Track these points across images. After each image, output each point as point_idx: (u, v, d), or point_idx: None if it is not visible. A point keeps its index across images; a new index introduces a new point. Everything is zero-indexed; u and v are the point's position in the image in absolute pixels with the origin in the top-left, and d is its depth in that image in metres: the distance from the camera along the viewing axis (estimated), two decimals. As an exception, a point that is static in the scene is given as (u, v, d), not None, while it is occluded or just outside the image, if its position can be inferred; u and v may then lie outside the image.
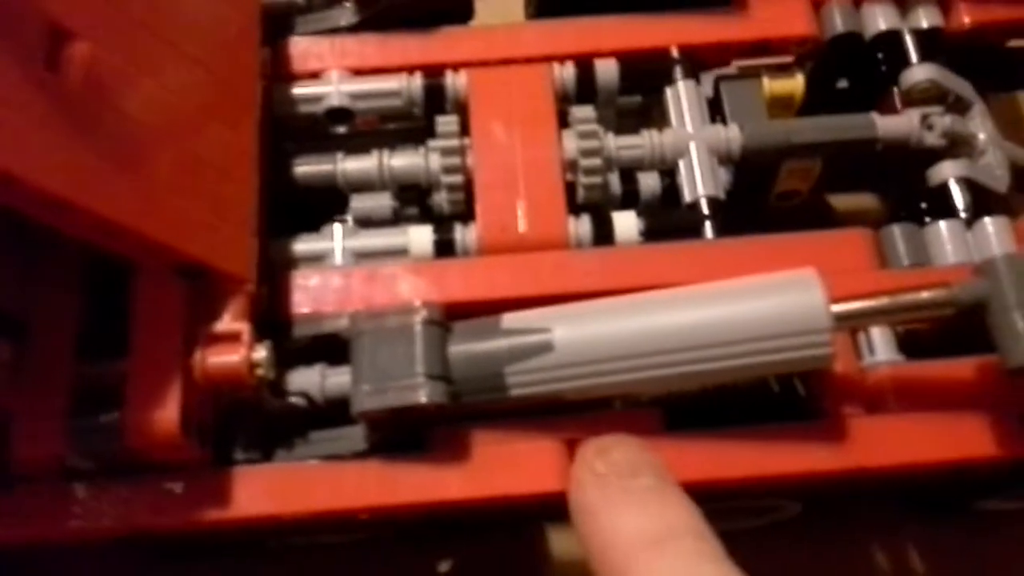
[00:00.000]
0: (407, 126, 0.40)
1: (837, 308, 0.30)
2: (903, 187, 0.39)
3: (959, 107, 0.39)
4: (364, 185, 0.38)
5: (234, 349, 0.30)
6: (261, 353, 0.31)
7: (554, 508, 0.31)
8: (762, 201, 0.40)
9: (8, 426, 0.30)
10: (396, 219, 0.38)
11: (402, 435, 0.32)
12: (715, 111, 0.40)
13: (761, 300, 0.30)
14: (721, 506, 0.35)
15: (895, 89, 0.40)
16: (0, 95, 0.25)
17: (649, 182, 0.39)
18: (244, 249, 0.32)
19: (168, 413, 0.29)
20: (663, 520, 0.27)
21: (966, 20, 0.40)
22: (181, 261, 0.30)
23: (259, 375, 0.31)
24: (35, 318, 0.31)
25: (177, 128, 0.30)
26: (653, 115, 0.41)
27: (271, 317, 0.34)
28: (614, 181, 0.39)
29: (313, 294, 0.34)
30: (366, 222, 0.38)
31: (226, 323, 0.31)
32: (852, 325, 0.32)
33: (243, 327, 0.31)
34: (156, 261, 0.30)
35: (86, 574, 0.39)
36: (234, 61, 0.34)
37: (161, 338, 0.30)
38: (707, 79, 0.40)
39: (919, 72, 0.39)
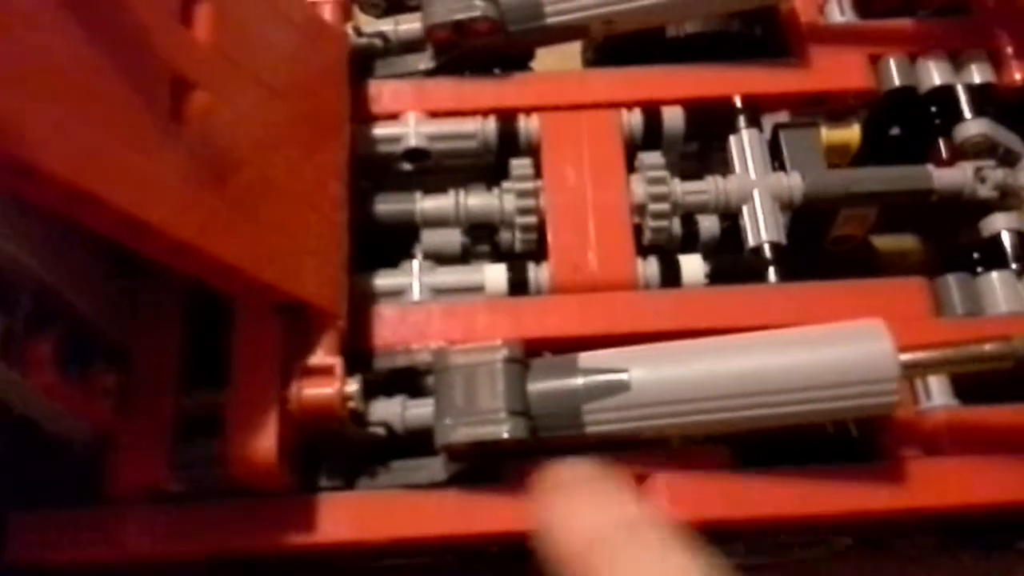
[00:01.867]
0: (470, 163, 0.42)
1: (904, 358, 0.31)
2: (956, 237, 0.41)
3: (1009, 160, 0.41)
4: (439, 222, 0.40)
5: (328, 382, 0.32)
6: (353, 386, 0.32)
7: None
8: (818, 245, 0.42)
9: (110, 449, 0.32)
10: (465, 255, 0.40)
11: (480, 466, 0.34)
12: (774, 156, 0.41)
13: (832, 348, 0.31)
14: (773, 539, 0.36)
15: (946, 141, 0.41)
16: (132, 144, 0.27)
17: (708, 225, 0.41)
18: (336, 286, 0.34)
19: (266, 443, 0.31)
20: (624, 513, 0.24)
21: (1017, 77, 0.41)
22: (281, 299, 0.31)
23: (351, 407, 0.32)
24: (138, 348, 0.32)
25: (279, 172, 0.32)
26: (712, 159, 0.43)
27: (353, 348, 0.35)
28: (677, 224, 0.40)
29: (394, 328, 0.36)
30: (436, 257, 0.40)
31: (320, 357, 0.32)
32: (917, 374, 0.33)
33: (336, 361, 0.32)
34: (259, 299, 0.31)
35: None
36: (327, 106, 0.36)
37: (259, 371, 0.32)
38: (766, 123, 0.42)
39: (972, 127, 0.40)
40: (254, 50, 0.33)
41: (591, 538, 0.23)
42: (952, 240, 0.41)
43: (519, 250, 0.39)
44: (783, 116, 0.42)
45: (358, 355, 0.35)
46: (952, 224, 0.43)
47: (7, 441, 0.32)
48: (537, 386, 0.33)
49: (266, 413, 0.31)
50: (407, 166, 0.41)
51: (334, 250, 0.34)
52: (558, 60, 0.45)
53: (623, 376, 0.32)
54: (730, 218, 0.40)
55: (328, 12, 0.39)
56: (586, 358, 0.33)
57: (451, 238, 0.40)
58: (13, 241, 0.26)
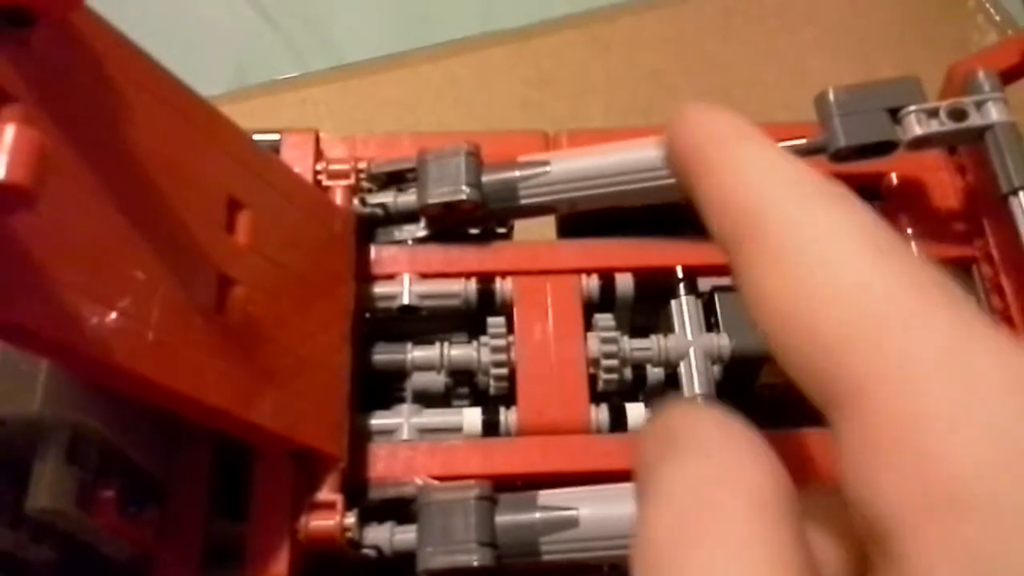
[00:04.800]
0: (453, 315, 0.50)
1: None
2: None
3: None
4: (426, 367, 0.47)
5: (330, 516, 0.39)
6: (350, 519, 0.39)
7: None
8: (746, 390, 0.49)
9: (147, 570, 0.39)
10: (447, 395, 0.48)
11: (454, 586, 0.41)
12: (709, 313, 0.49)
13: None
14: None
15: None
16: (187, 338, 0.34)
17: (655, 374, 0.48)
18: (340, 432, 0.41)
19: (279, 569, 0.38)
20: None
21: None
22: (295, 447, 0.39)
23: (348, 537, 0.39)
24: (175, 483, 0.39)
25: (296, 341, 0.40)
26: (660, 315, 0.50)
27: (351, 480, 0.42)
28: (627, 373, 0.48)
29: (386, 463, 0.43)
30: (423, 396, 0.47)
31: (324, 494, 0.39)
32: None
33: (337, 498, 0.39)
34: (276, 448, 0.39)
35: None
36: (334, 275, 0.44)
37: (274, 507, 0.39)
38: (705, 284, 0.50)
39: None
40: (278, 241, 0.41)
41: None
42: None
43: (493, 394, 0.46)
44: (722, 279, 0.50)
45: (355, 486, 0.42)
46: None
47: (58, 556, 0.39)
48: (503, 519, 0.40)
49: (279, 543, 0.38)
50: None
51: (340, 401, 0.41)
52: (537, 222, 0.53)
53: (573, 513, 0.40)
54: (672, 368, 0.48)
55: (338, 196, 0.47)
56: (543, 496, 0.41)
57: (436, 381, 0.47)
58: (85, 412, 0.34)
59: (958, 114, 0.45)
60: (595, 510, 0.40)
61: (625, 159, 0.48)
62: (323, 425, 0.40)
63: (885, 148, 0.47)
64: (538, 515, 0.40)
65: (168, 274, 0.34)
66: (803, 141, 0.48)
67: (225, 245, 0.37)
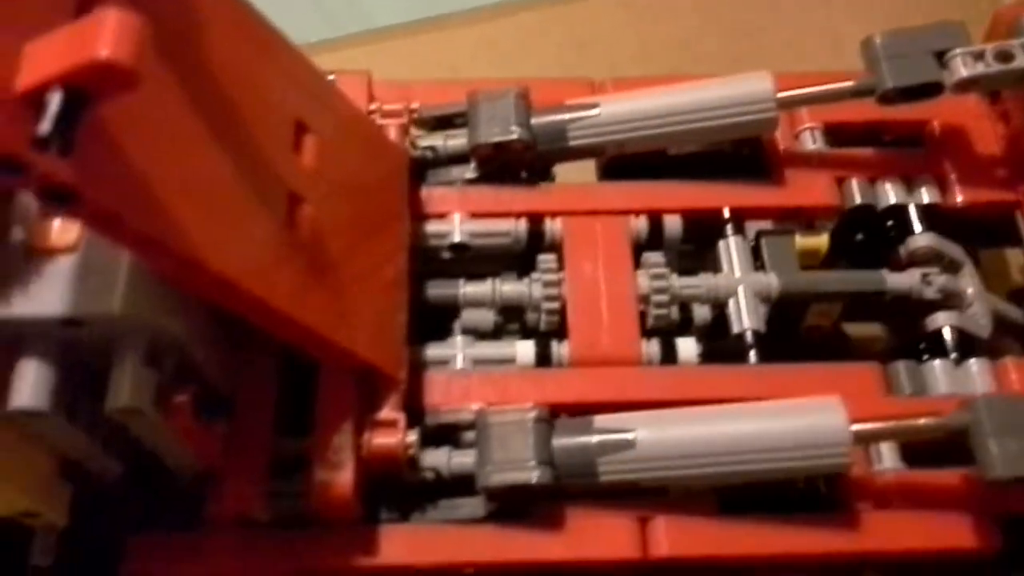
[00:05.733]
0: (502, 255, 0.50)
1: (855, 428, 0.39)
2: (906, 330, 0.49)
3: (952, 267, 0.49)
4: (477, 304, 0.48)
5: (393, 433, 0.40)
6: (412, 437, 0.40)
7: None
8: (794, 332, 0.50)
9: (213, 483, 0.39)
10: (497, 332, 0.48)
11: (511, 506, 0.41)
12: (756, 257, 0.49)
13: (799, 418, 0.39)
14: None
15: (901, 248, 0.50)
16: (263, 248, 0.35)
17: (701, 312, 0.49)
18: (400, 355, 0.42)
19: (344, 481, 0.38)
20: None
21: (959, 199, 0.50)
22: (358, 364, 0.39)
23: (410, 454, 0.40)
24: (243, 401, 0.40)
25: (359, 265, 0.41)
26: (705, 258, 0.51)
27: (408, 407, 0.43)
28: (675, 312, 0.48)
29: (442, 392, 0.44)
30: (473, 332, 0.48)
31: (386, 412, 0.40)
32: (867, 442, 0.41)
33: (400, 416, 0.40)
34: (340, 364, 0.39)
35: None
36: (391, 206, 0.45)
37: (338, 423, 0.40)
38: (750, 230, 0.50)
39: (920, 240, 0.49)
40: (340, 167, 0.42)
41: None
42: (913, 328, 0.49)
43: (543, 329, 0.47)
44: (765, 224, 0.51)
45: (412, 413, 0.43)
46: (912, 316, 0.51)
47: (123, 470, 0.40)
48: (560, 441, 0.41)
49: (344, 457, 0.39)
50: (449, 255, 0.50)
51: (398, 325, 0.42)
52: (577, 169, 0.54)
53: (630, 436, 0.40)
54: (719, 308, 0.48)
55: (392, 132, 0.48)
56: (600, 420, 0.41)
57: (486, 317, 0.48)
58: (164, 316, 0.34)
59: (1004, 56, 0.46)
60: (652, 433, 0.40)
61: (675, 101, 0.49)
62: (384, 346, 0.41)
63: (931, 90, 0.47)
64: (595, 437, 0.41)
65: (245, 182, 0.35)
66: (851, 84, 0.48)
67: (294, 164, 0.38)
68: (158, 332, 0.34)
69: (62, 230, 0.34)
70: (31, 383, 0.33)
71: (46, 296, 0.33)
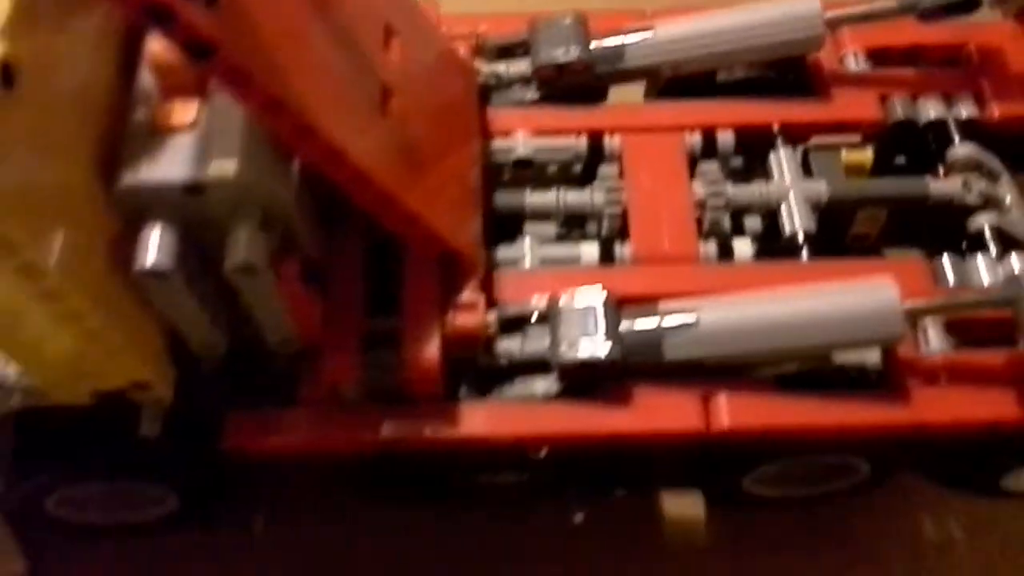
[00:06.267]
0: (561, 170, 0.53)
1: (907, 304, 0.42)
2: (950, 233, 0.51)
3: (991, 175, 0.52)
4: (542, 213, 0.51)
5: (474, 314, 0.43)
6: (491, 317, 0.43)
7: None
8: (840, 242, 0.52)
9: (308, 359, 0.42)
10: (558, 239, 0.51)
11: (583, 384, 0.44)
12: (805, 171, 0.52)
13: (855, 295, 0.42)
14: (811, 467, 0.46)
15: (942, 163, 0.52)
16: (360, 126, 0.38)
17: (753, 223, 0.51)
18: (478, 245, 0.45)
19: (431, 356, 0.42)
20: None
21: (996, 113, 0.53)
22: (444, 247, 0.43)
23: (489, 333, 0.43)
24: (335, 280, 0.43)
25: (442, 159, 0.44)
26: (754, 174, 0.54)
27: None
28: (727, 220, 0.51)
29: (514, 286, 0.47)
30: (538, 240, 0.51)
31: (467, 296, 0.43)
32: (917, 316, 0.44)
33: (480, 298, 0.43)
34: (428, 247, 0.43)
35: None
36: (466, 116, 0.48)
37: (425, 303, 0.43)
38: (798, 150, 0.53)
39: (960, 150, 0.51)
40: (422, 73, 0.45)
41: None
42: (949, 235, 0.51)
43: (605, 235, 0.50)
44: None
45: (490, 304, 0.46)
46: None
47: (227, 358, 0.43)
48: (628, 323, 0.44)
49: (431, 334, 0.42)
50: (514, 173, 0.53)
51: (476, 220, 0.46)
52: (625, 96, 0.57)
53: (693, 316, 0.43)
54: (771, 217, 0.51)
55: (463, 50, 0.51)
56: (665, 304, 0.44)
57: (549, 228, 0.51)
58: (282, 186, 0.38)
59: (1040, -28, 0.49)
60: (714, 313, 0.43)
61: (727, 22, 0.52)
62: (466, 235, 0.44)
63: (969, 5, 0.50)
64: (661, 318, 0.43)
65: (347, 67, 0.38)
66: (893, 1, 0.51)
67: (385, 60, 0.41)
68: (270, 200, 0.38)
69: (182, 109, 0.37)
70: (157, 245, 0.36)
71: (170, 166, 0.36)
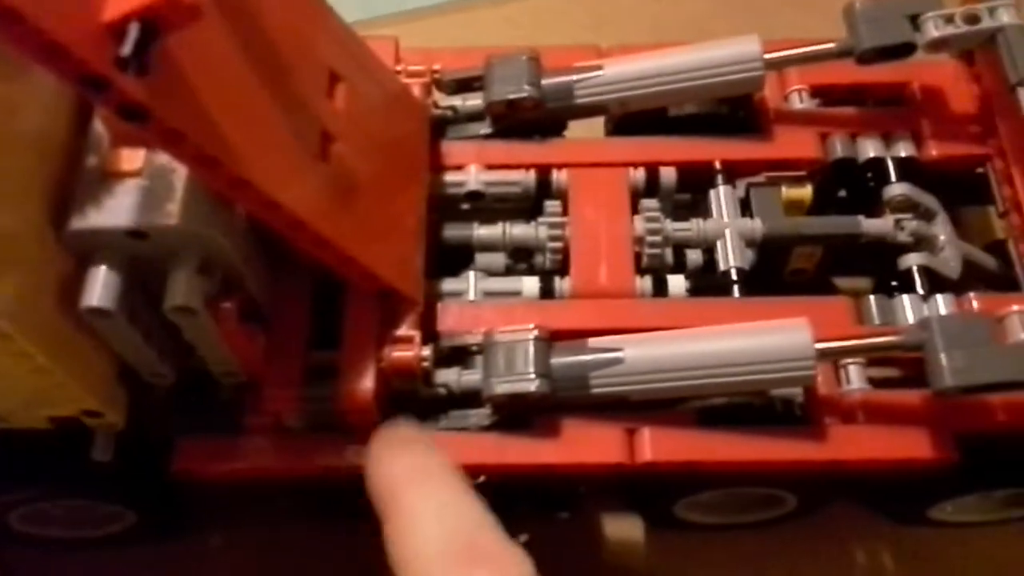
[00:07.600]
0: (513, 204, 0.56)
1: (820, 345, 0.43)
2: (881, 271, 0.53)
3: (927, 215, 0.53)
4: (489, 246, 0.53)
5: (410, 348, 0.45)
6: (426, 352, 0.45)
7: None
8: (778, 277, 0.54)
9: (252, 390, 0.45)
10: (507, 272, 0.53)
11: (513, 417, 0.46)
12: (745, 208, 0.54)
13: (769, 336, 0.44)
14: (740, 496, 0.48)
15: (879, 201, 0.54)
16: (297, 175, 0.40)
17: (694, 256, 0.53)
18: (418, 281, 0.47)
19: (367, 389, 0.44)
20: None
21: (934, 153, 0.54)
22: (382, 286, 0.45)
23: (424, 367, 0.45)
24: (279, 316, 0.46)
25: (384, 201, 0.46)
26: (699, 208, 0.56)
27: (425, 332, 0.48)
28: (669, 254, 0.53)
29: (455, 319, 0.49)
30: (486, 271, 0.53)
31: (404, 330, 0.46)
32: (829, 358, 0.46)
33: (416, 333, 0.45)
34: (365, 285, 0.45)
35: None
36: (413, 157, 0.50)
37: (363, 337, 0.45)
38: (740, 184, 0.55)
39: (896, 188, 0.53)
40: (369, 116, 0.47)
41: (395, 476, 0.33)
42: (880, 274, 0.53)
43: (548, 267, 0.52)
44: (760, 179, 0.56)
45: (428, 338, 0.48)
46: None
47: (177, 386, 0.46)
48: (558, 358, 0.46)
49: (367, 367, 0.44)
50: (467, 205, 0.55)
51: (417, 257, 0.48)
52: (586, 129, 0.59)
53: (620, 353, 0.45)
54: (709, 252, 0.53)
55: (416, 90, 0.53)
56: (594, 341, 0.46)
57: (498, 258, 0.53)
58: (221, 232, 0.40)
59: (972, 18, 0.50)
60: (639, 350, 0.45)
61: (671, 61, 0.53)
62: (405, 272, 0.46)
63: (905, 50, 0.52)
64: (589, 354, 0.46)
65: (285, 116, 0.40)
66: (832, 45, 0.53)
67: (327, 107, 0.44)
68: (209, 245, 0.40)
69: (130, 157, 0.39)
70: (101, 285, 0.39)
71: (116, 212, 0.39)
